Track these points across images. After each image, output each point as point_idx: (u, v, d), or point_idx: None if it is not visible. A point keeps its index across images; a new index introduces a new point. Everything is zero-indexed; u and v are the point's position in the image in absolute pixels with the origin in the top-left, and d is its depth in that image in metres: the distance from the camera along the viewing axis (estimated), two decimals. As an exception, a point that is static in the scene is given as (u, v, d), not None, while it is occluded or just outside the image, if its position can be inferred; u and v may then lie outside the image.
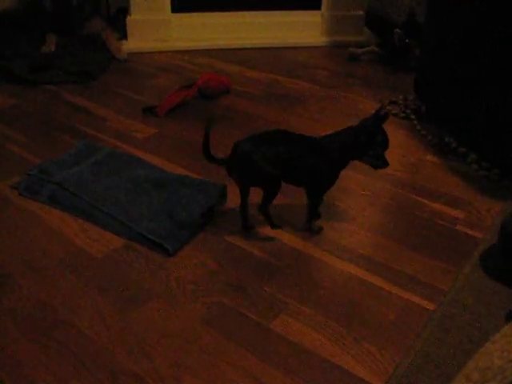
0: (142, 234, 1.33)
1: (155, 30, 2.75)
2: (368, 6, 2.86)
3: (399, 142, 1.86)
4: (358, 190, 1.57)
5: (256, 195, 1.34)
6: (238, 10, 2.83)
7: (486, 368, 0.63)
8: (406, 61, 2.51)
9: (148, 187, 1.52)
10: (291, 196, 1.48)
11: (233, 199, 1.49)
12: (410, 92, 2.14)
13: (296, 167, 1.28)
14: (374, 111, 1.33)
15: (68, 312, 1.11)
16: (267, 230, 1.37)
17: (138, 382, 0.96)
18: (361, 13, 2.87)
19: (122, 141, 1.81)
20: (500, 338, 0.67)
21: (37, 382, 0.96)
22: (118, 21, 2.79)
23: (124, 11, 2.79)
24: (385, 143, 1.32)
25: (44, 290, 1.17)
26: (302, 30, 2.88)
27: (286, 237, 1.36)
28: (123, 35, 2.74)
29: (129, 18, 2.72)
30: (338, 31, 2.89)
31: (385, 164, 1.35)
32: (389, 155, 1.76)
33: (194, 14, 2.80)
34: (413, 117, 2.00)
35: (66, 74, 2.33)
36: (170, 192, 1.50)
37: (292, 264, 1.26)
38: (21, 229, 1.37)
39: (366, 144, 1.31)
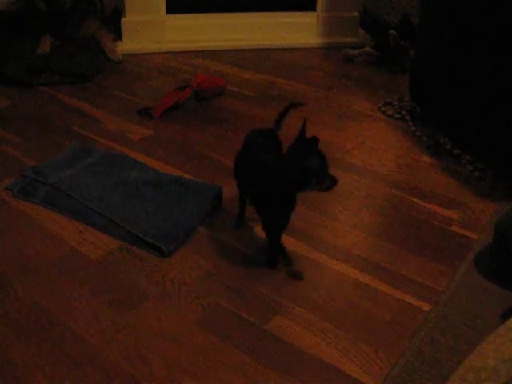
0: (138, 236, 1.33)
1: (150, 31, 2.74)
2: (363, 8, 2.86)
3: (394, 143, 1.86)
4: (353, 191, 1.57)
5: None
6: (233, 11, 2.83)
7: (481, 368, 0.63)
8: (401, 62, 2.51)
9: (143, 189, 1.52)
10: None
11: (228, 200, 1.49)
12: (405, 93, 2.14)
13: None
14: (298, 134, 1.14)
15: (63, 314, 1.11)
16: (263, 232, 1.38)
17: (134, 384, 0.96)
18: (356, 14, 2.88)
19: (117, 142, 1.81)
20: (494, 339, 0.67)
21: (32, 384, 0.96)
22: (112, 22, 2.79)
23: (118, 12, 2.79)
24: (324, 166, 1.12)
25: (39, 291, 1.17)
26: (298, 31, 2.89)
27: (281, 238, 1.36)
28: (118, 36, 2.73)
29: (123, 20, 2.71)
30: (333, 32, 2.89)
31: (333, 183, 1.13)
32: (384, 156, 1.77)
33: (189, 16, 2.80)
34: (408, 118, 2.00)
35: (60, 75, 2.33)
36: (166, 193, 1.50)
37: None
38: (15, 231, 1.37)
39: (301, 180, 1.12)
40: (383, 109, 2.10)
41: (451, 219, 1.45)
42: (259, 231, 1.38)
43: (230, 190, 1.52)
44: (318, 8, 2.86)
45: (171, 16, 2.76)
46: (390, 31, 2.49)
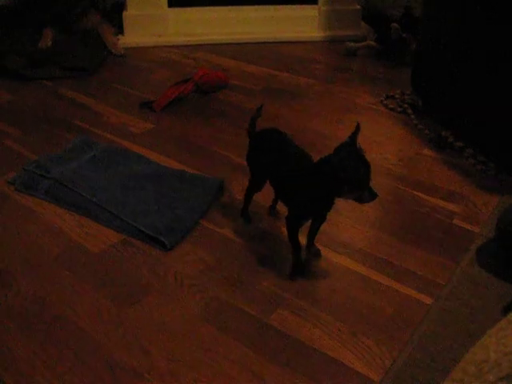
0: (140, 229, 1.33)
1: (152, 24, 2.74)
2: (365, 1, 2.85)
3: (396, 136, 1.86)
4: (355, 185, 1.57)
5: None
6: (235, 4, 2.82)
7: (483, 361, 0.63)
8: (403, 55, 2.50)
9: (145, 182, 1.52)
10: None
11: (230, 194, 1.49)
12: (407, 86, 2.14)
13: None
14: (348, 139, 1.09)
15: (65, 307, 1.11)
16: (265, 225, 1.38)
17: (136, 377, 0.97)
18: (358, 7, 2.87)
19: (119, 136, 1.81)
20: (496, 332, 0.67)
21: (35, 377, 0.96)
22: (114, 15, 2.78)
23: (120, 6, 2.78)
24: (365, 176, 1.09)
25: (41, 285, 1.17)
26: (299, 24, 2.88)
27: (283, 231, 1.36)
28: (119, 30, 2.73)
29: (125, 13, 2.71)
30: (335, 26, 2.88)
31: (371, 197, 1.12)
32: (386, 150, 1.77)
33: (191, 9, 2.79)
34: (410, 111, 2.00)
35: (62, 69, 2.32)
36: (167, 187, 1.50)
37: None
38: (17, 224, 1.37)
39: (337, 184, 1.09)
40: (385, 102, 2.10)
41: (453, 212, 1.45)
42: (262, 225, 1.38)
43: (232, 184, 1.53)
44: (320, 1, 2.85)
45: (173, 9, 2.75)
46: (392, 24, 2.48)
